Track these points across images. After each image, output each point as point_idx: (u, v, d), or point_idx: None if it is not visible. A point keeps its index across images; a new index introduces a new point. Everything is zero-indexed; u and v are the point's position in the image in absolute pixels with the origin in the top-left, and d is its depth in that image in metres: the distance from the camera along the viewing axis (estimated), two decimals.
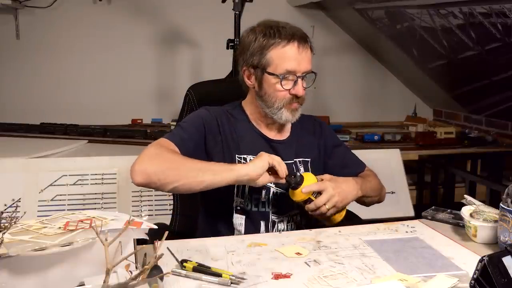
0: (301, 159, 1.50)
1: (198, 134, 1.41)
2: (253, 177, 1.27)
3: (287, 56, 1.37)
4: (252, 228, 1.42)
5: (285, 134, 1.53)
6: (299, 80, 1.39)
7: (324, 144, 1.57)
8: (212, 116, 1.45)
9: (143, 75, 3.46)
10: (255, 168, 1.27)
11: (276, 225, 1.45)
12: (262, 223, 1.44)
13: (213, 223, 1.47)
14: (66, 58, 3.34)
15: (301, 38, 1.39)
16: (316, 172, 1.44)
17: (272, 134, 1.50)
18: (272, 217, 1.44)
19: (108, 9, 3.35)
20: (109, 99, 3.40)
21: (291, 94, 1.40)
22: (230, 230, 1.44)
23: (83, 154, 2.55)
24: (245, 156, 1.43)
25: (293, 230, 1.46)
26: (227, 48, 2.67)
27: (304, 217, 1.49)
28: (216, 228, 1.45)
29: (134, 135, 2.94)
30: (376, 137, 3.04)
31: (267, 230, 1.43)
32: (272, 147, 1.47)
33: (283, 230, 1.45)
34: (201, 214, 1.53)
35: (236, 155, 1.42)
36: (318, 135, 1.58)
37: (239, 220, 1.43)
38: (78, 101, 3.36)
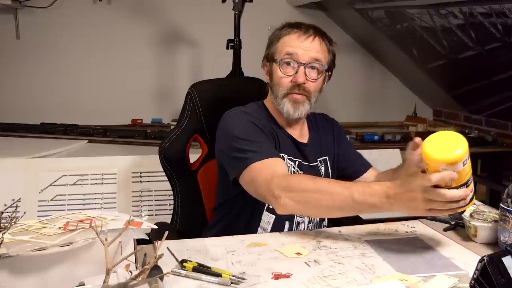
0: (321, 159, 1.53)
1: (267, 138, 1.41)
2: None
3: (289, 42, 1.42)
4: (277, 227, 1.42)
5: (306, 135, 1.54)
6: (301, 67, 1.40)
7: (337, 141, 1.60)
8: (254, 119, 1.42)
9: (143, 75, 3.45)
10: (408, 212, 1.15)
11: (298, 226, 1.46)
12: (287, 223, 1.44)
13: (236, 221, 1.46)
14: (66, 58, 3.34)
15: (310, 28, 1.43)
16: (333, 169, 1.51)
17: (296, 135, 1.50)
18: (298, 218, 1.45)
19: (108, 9, 3.34)
20: (109, 99, 3.40)
21: (292, 81, 1.41)
22: (254, 227, 1.43)
23: (83, 154, 2.55)
24: (282, 154, 1.42)
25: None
26: (227, 48, 2.67)
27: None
28: (240, 225, 1.44)
29: (134, 135, 2.94)
30: (376, 137, 3.04)
31: (290, 230, 1.43)
32: (299, 149, 1.49)
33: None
34: (221, 210, 1.52)
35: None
36: (335, 133, 1.60)
37: (268, 218, 1.43)
38: (78, 101, 3.36)
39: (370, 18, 3.24)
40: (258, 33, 3.61)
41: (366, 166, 1.60)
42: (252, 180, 1.30)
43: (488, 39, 2.56)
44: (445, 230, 1.33)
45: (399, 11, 2.92)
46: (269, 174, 1.26)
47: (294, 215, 1.44)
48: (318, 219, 1.49)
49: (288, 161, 1.43)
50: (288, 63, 1.41)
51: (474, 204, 1.34)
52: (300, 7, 3.56)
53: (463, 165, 1.05)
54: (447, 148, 1.05)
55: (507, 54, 2.57)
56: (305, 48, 1.40)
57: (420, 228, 1.35)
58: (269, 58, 1.47)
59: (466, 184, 1.07)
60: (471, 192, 1.09)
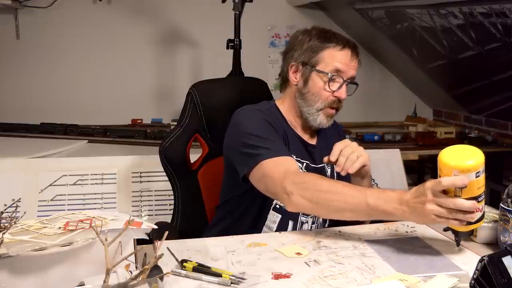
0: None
1: (279, 136, 1.41)
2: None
3: (339, 58, 1.42)
4: (282, 226, 1.43)
5: (315, 138, 1.54)
6: (344, 84, 1.43)
7: None
8: (267, 117, 1.43)
9: (143, 75, 3.46)
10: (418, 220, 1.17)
11: (302, 226, 1.46)
12: (291, 223, 1.44)
13: (242, 219, 1.46)
14: (66, 58, 3.34)
15: (354, 47, 1.45)
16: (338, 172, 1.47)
17: (306, 137, 1.51)
18: (302, 218, 1.45)
19: (108, 9, 3.35)
20: (109, 99, 3.41)
21: (335, 96, 1.43)
22: (259, 226, 1.43)
23: (83, 154, 2.55)
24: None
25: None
26: (227, 48, 2.68)
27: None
28: (245, 223, 1.44)
29: (134, 135, 2.94)
30: (376, 137, 3.04)
31: (294, 230, 1.43)
32: (308, 151, 1.49)
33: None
34: (225, 208, 1.51)
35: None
36: (340, 139, 1.60)
37: (274, 217, 1.43)
38: (78, 101, 3.36)
39: (370, 18, 3.24)
40: (258, 33, 3.64)
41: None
42: (263, 176, 1.31)
43: (488, 39, 2.56)
44: (445, 230, 1.32)
45: (399, 11, 2.92)
46: (282, 171, 1.27)
47: (299, 215, 1.44)
48: (321, 220, 1.49)
49: (296, 162, 1.43)
50: (334, 79, 1.42)
51: None
52: (300, 7, 3.56)
53: (476, 177, 1.05)
54: (462, 157, 1.07)
55: (507, 54, 2.57)
56: (351, 67, 1.44)
57: (420, 228, 1.34)
58: (307, 64, 1.44)
59: (476, 199, 1.06)
60: (480, 211, 1.08)
